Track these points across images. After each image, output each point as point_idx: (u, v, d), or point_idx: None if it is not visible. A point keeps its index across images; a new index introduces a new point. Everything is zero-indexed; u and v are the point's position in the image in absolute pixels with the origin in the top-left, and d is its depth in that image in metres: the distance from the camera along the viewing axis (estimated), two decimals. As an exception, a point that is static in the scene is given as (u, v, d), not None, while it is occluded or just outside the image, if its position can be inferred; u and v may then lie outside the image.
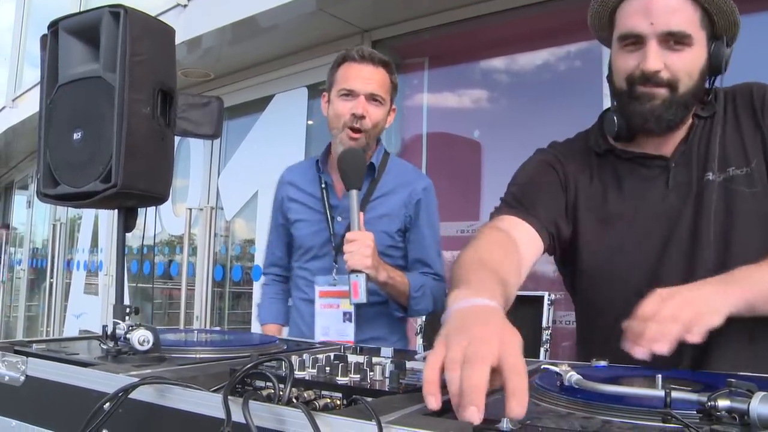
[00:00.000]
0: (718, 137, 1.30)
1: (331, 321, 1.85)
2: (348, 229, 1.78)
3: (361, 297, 1.65)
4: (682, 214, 1.29)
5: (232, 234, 4.99)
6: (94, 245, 6.41)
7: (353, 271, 1.66)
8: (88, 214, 6.59)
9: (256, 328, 4.41)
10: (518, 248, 1.27)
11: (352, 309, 1.81)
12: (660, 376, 0.86)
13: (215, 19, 3.94)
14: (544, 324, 2.79)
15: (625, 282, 1.32)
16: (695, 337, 0.96)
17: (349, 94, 1.85)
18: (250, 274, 4.60)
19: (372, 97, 1.86)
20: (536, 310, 2.83)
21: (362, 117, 1.84)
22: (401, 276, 1.81)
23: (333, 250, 1.90)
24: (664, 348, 0.93)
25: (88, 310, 6.28)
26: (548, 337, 2.77)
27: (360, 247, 1.66)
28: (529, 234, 1.33)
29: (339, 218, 1.92)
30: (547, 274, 3.41)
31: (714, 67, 1.28)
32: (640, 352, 0.95)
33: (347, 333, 1.81)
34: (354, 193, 1.70)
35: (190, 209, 4.96)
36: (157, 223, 5.44)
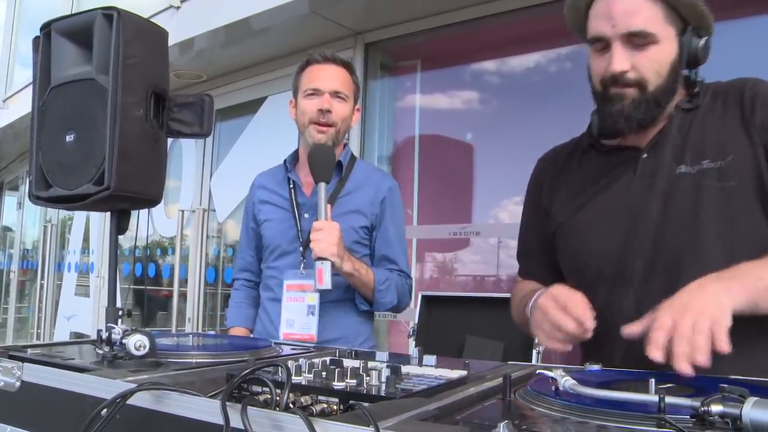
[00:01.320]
0: (697, 129, 1.31)
1: (296, 314, 1.89)
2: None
3: (326, 283, 1.69)
4: (647, 204, 1.31)
5: (225, 236, 4.98)
6: (86, 247, 6.38)
7: (319, 258, 1.70)
8: (79, 216, 6.56)
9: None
10: None
11: (316, 302, 1.86)
12: (653, 380, 0.87)
13: (208, 22, 3.93)
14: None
15: (597, 272, 1.37)
16: (724, 346, 0.96)
17: (314, 92, 1.94)
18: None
19: (336, 94, 1.95)
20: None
21: (328, 111, 1.93)
22: (366, 269, 1.88)
23: (301, 246, 1.95)
24: (706, 361, 0.93)
25: (79, 312, 6.25)
26: (541, 339, 2.78)
27: (326, 236, 1.71)
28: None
29: (306, 215, 1.96)
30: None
31: (687, 60, 1.29)
32: (687, 369, 0.94)
33: (310, 327, 1.85)
34: (322, 185, 1.76)
35: (182, 211, 4.94)
36: (149, 224, 5.44)
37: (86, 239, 6.38)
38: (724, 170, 1.25)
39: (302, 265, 1.92)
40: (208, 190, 4.89)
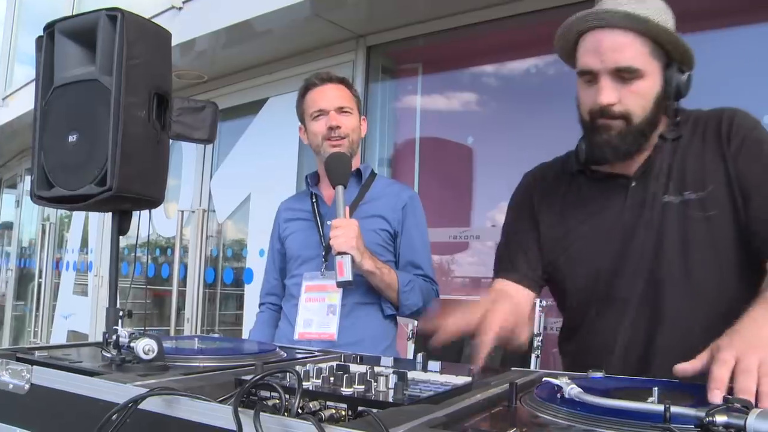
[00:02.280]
0: (679, 160, 1.36)
1: (315, 314, 1.92)
2: None
3: (347, 275, 1.74)
4: (636, 232, 1.36)
5: (224, 236, 4.99)
6: (84, 245, 6.38)
7: (339, 253, 1.75)
8: (77, 214, 6.55)
9: (247, 330, 4.43)
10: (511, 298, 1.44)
11: (337, 302, 1.89)
12: (656, 388, 0.88)
13: (210, 23, 3.93)
14: (535, 330, 2.80)
15: (586, 293, 1.43)
16: None
17: (320, 113, 2.03)
18: (242, 276, 4.60)
19: (341, 110, 2.04)
20: (528, 316, 2.85)
21: (338, 126, 2.01)
22: (389, 269, 1.91)
23: (323, 251, 1.98)
24: None
25: (77, 311, 6.25)
26: (539, 344, 2.79)
27: (345, 231, 1.77)
28: (516, 287, 1.49)
29: (328, 222, 1.98)
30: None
31: (669, 93, 1.34)
32: None
33: (330, 326, 1.88)
34: (340, 188, 1.83)
35: (182, 211, 4.95)
36: (148, 224, 5.44)
37: (85, 238, 6.38)
38: (704, 201, 1.31)
39: (324, 266, 1.97)
40: (208, 190, 4.90)
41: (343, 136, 2.02)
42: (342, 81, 2.11)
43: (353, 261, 1.76)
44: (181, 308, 4.93)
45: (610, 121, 1.32)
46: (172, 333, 4.94)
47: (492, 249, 3.61)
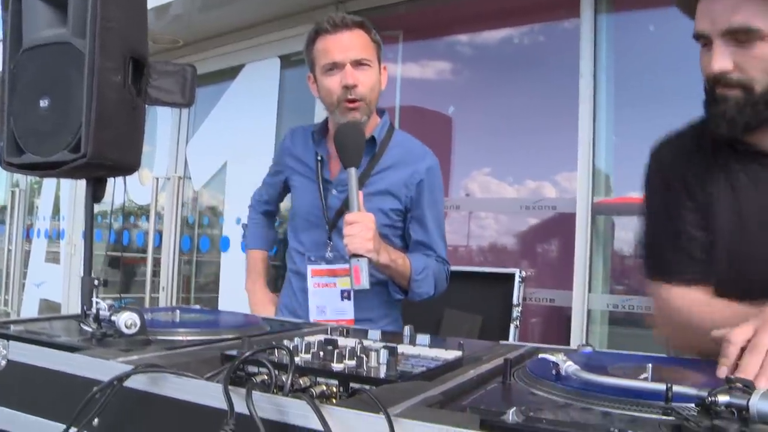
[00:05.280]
0: None
1: (327, 300, 1.80)
2: (345, 205, 1.72)
3: (363, 283, 1.55)
4: None
5: (200, 204, 4.92)
6: (56, 212, 6.26)
7: (354, 255, 1.56)
8: (49, 180, 6.40)
9: (224, 298, 4.40)
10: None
11: (351, 287, 1.72)
12: (650, 365, 0.88)
13: (185, -15, 3.83)
14: (514, 301, 2.81)
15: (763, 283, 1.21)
16: None
17: (333, 67, 1.76)
18: (218, 244, 4.55)
19: (358, 63, 1.77)
20: (507, 287, 2.86)
21: (354, 86, 1.75)
22: (403, 258, 1.75)
23: (327, 225, 1.84)
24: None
25: (49, 279, 6.15)
26: (518, 314, 2.81)
27: (361, 230, 1.56)
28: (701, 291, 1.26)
29: (334, 191, 1.85)
30: (518, 251, 3.46)
31: None
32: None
33: (346, 311, 1.77)
34: (353, 171, 1.60)
35: (157, 178, 4.87)
36: (122, 191, 5.33)
37: (56, 204, 6.26)
38: None
39: (329, 247, 1.82)
40: (183, 157, 4.81)
41: (360, 97, 1.75)
42: (360, 25, 1.80)
43: (369, 262, 1.57)
44: (156, 276, 4.87)
45: (727, 91, 1.16)
46: (147, 301, 4.90)
47: (464, 217, 3.62)
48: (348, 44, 1.77)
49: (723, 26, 1.13)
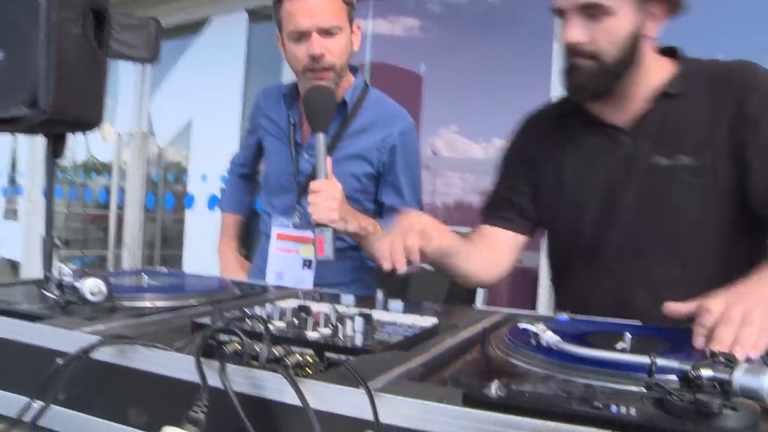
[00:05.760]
0: (676, 119, 1.27)
1: (287, 266, 1.76)
2: (314, 172, 1.62)
3: (327, 254, 1.45)
4: (623, 190, 1.31)
5: (165, 161, 4.81)
6: (13, 167, 6.07)
7: (318, 224, 1.46)
8: (5, 135, 6.19)
9: (189, 256, 4.35)
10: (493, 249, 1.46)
11: (313, 257, 1.67)
12: (628, 333, 0.87)
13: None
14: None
15: (573, 248, 1.38)
16: (755, 353, 0.86)
17: (300, 35, 1.64)
18: (183, 201, 4.48)
19: (327, 32, 1.63)
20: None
21: (322, 56, 1.64)
22: (374, 225, 1.66)
23: (297, 189, 1.78)
24: (744, 356, 0.83)
25: (7, 237, 5.99)
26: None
27: (325, 199, 1.46)
28: (504, 236, 1.47)
29: (305, 155, 1.79)
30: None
31: (647, 32, 1.25)
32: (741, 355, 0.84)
33: (305, 280, 1.73)
34: (321, 136, 1.49)
35: (120, 134, 4.74)
36: (83, 147, 5.19)
37: (14, 159, 6.06)
38: (699, 166, 1.23)
39: (297, 213, 1.76)
40: (146, 112, 4.68)
41: (328, 66, 1.65)
42: None
43: (335, 233, 1.47)
44: (120, 234, 4.78)
45: (580, 60, 1.26)
46: (110, 259, 4.82)
47: (431, 177, 3.61)
48: (315, 8, 1.62)
49: (578, 2, 1.22)
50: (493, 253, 1.47)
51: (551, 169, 1.42)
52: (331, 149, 1.63)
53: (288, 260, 1.76)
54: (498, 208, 1.50)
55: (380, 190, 1.81)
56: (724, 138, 1.23)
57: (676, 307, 0.97)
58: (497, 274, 1.48)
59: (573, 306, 1.28)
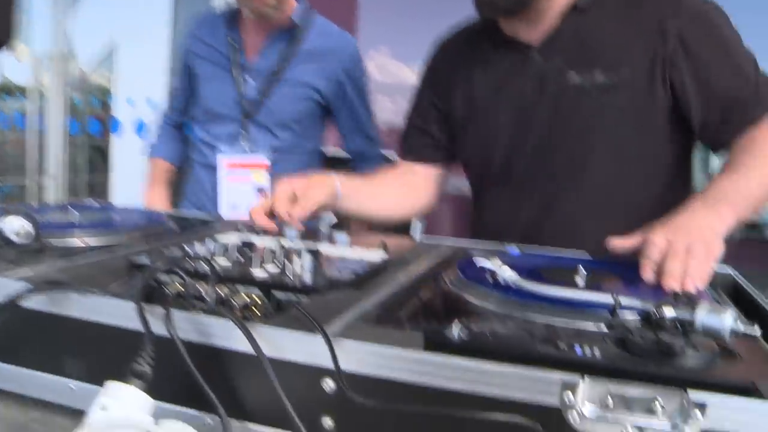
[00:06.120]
0: (590, 33, 1.22)
1: (240, 196, 1.72)
2: (262, 95, 1.64)
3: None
4: (535, 110, 1.26)
5: (89, 85, 4.55)
6: None
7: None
8: None
9: (116, 183, 4.17)
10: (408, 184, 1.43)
11: (267, 182, 1.68)
12: (581, 266, 0.86)
13: None
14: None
15: (485, 171, 1.35)
16: (699, 284, 0.85)
17: None
18: (109, 127, 4.27)
19: None
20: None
21: None
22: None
23: (241, 115, 1.73)
24: (694, 287, 0.83)
25: None
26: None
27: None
28: (419, 168, 1.44)
29: (249, 78, 1.73)
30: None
31: None
32: (675, 288, 0.84)
33: None
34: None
35: (38, 58, 4.43)
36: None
37: None
38: (617, 82, 1.18)
39: (242, 137, 1.73)
40: (64, 32, 4.37)
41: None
42: None
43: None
44: (41, 161, 4.55)
45: None
46: (33, 189, 4.59)
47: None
48: None
49: None
50: (408, 187, 1.43)
51: (461, 94, 1.36)
52: (278, 74, 1.63)
53: (240, 190, 1.73)
54: (411, 140, 1.46)
55: (345, 137, 1.82)
56: (642, 55, 1.18)
57: (620, 243, 0.97)
58: (415, 208, 1.46)
59: (489, 233, 1.28)
